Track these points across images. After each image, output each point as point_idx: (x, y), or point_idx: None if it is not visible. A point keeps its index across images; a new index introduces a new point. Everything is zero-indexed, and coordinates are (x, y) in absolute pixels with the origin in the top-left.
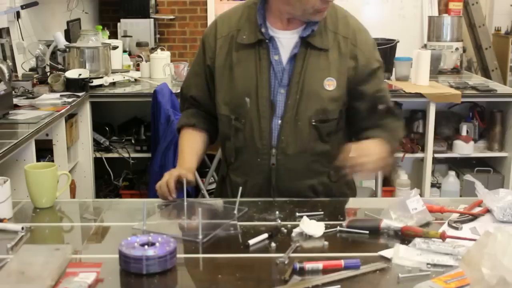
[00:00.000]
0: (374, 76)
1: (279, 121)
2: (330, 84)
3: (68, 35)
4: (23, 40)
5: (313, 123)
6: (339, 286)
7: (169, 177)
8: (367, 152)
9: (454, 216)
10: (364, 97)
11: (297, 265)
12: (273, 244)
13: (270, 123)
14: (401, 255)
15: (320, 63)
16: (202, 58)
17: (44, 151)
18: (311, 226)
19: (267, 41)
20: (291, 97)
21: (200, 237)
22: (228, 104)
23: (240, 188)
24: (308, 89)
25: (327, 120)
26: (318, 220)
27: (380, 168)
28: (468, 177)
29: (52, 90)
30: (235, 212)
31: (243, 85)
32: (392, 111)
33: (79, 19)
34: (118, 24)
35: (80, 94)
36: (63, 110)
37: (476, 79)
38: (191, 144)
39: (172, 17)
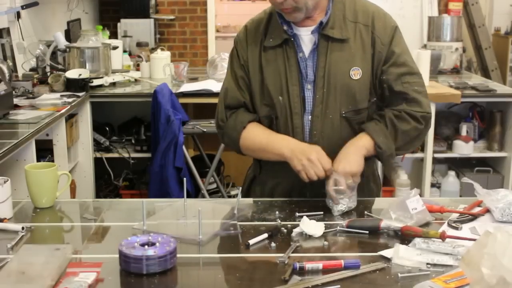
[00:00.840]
0: (393, 63)
1: (310, 117)
2: (356, 74)
3: (68, 35)
4: (23, 40)
5: (344, 115)
6: (339, 286)
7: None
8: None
9: (454, 216)
10: (386, 84)
11: (297, 265)
12: (273, 244)
13: (302, 119)
14: (401, 255)
15: (343, 54)
16: (238, 61)
17: (44, 151)
18: (311, 226)
19: (292, 39)
20: (318, 92)
21: (200, 237)
22: (267, 105)
23: (240, 188)
24: (334, 82)
25: (357, 110)
26: (318, 220)
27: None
28: (466, 179)
29: (52, 90)
30: (235, 212)
31: (275, 85)
32: (400, 94)
33: (79, 19)
34: (118, 24)
35: (80, 94)
36: (63, 110)
37: (476, 79)
38: (271, 131)
39: (172, 17)
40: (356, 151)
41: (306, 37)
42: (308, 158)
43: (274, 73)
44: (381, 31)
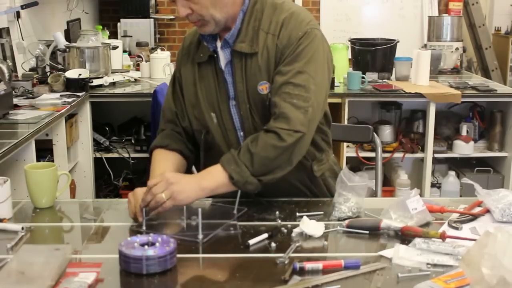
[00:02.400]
0: (279, 71)
1: (242, 133)
2: (264, 88)
3: (68, 35)
4: (23, 40)
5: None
6: (339, 286)
7: (135, 201)
8: (169, 189)
9: (454, 216)
10: (269, 94)
11: (297, 265)
12: (273, 244)
13: (236, 136)
14: (401, 255)
15: (252, 68)
16: (176, 75)
17: (44, 151)
18: (311, 226)
19: (215, 55)
20: (242, 108)
21: (200, 237)
22: (198, 119)
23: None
24: (251, 97)
25: None
26: (318, 220)
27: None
28: (466, 180)
29: (52, 90)
30: (235, 212)
31: (207, 101)
32: (272, 106)
33: (79, 19)
34: (118, 24)
35: (80, 94)
36: (63, 110)
37: (476, 79)
38: (166, 161)
39: (172, 17)
40: (193, 181)
41: (222, 52)
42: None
43: (206, 89)
44: (284, 39)
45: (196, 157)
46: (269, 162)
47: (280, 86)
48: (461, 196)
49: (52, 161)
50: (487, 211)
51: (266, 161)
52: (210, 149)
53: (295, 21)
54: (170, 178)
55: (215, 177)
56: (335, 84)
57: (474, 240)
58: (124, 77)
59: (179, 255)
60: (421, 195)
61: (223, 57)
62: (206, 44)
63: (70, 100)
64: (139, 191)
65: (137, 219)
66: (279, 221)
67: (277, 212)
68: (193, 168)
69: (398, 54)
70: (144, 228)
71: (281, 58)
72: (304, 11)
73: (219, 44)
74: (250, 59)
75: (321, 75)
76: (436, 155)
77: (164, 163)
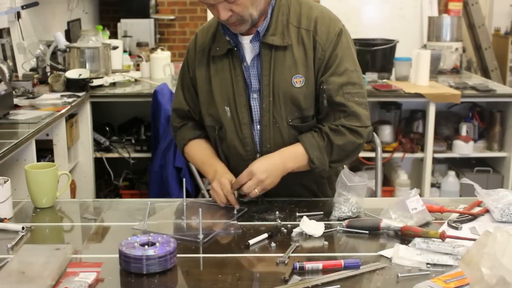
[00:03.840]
0: (330, 69)
1: (258, 126)
2: (298, 81)
3: (68, 35)
4: (23, 40)
5: (290, 123)
6: (339, 286)
7: (225, 190)
8: (255, 181)
9: (454, 216)
10: (326, 94)
11: (297, 265)
12: (273, 244)
13: (251, 129)
14: (401, 255)
15: (285, 61)
16: (187, 72)
17: (45, 151)
18: (311, 226)
19: (235, 49)
20: (265, 100)
21: (200, 237)
22: (212, 115)
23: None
24: (278, 90)
25: (304, 117)
26: (318, 220)
27: (262, 188)
28: (466, 180)
29: (52, 90)
30: (235, 212)
31: (222, 95)
32: (338, 106)
33: (79, 19)
34: (118, 24)
35: (80, 94)
36: (63, 110)
37: (476, 79)
38: (209, 152)
39: (172, 17)
40: (279, 164)
41: (247, 45)
42: (212, 187)
43: (221, 83)
44: (323, 36)
45: None
46: (345, 154)
47: (341, 86)
48: (460, 196)
49: (53, 161)
50: (487, 211)
51: (343, 153)
52: (221, 143)
53: (328, 18)
54: (260, 174)
55: (299, 160)
56: None
57: (474, 240)
58: (124, 77)
59: (179, 255)
60: (420, 195)
61: (250, 50)
62: (228, 38)
63: (70, 100)
64: (226, 182)
65: (234, 208)
66: (279, 221)
67: (277, 212)
68: (200, 181)
69: (397, 54)
70: (145, 227)
71: (323, 54)
72: (328, 9)
73: (245, 38)
74: (281, 52)
75: (360, 69)
76: (436, 155)
77: (209, 150)
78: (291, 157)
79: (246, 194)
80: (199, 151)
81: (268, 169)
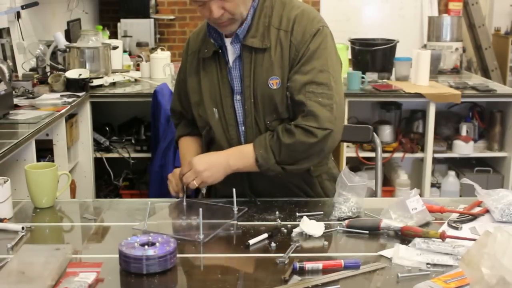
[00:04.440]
0: (299, 70)
1: (243, 128)
2: (274, 83)
3: (68, 35)
4: (23, 40)
5: (268, 125)
6: (339, 286)
7: (174, 179)
8: (195, 172)
9: (454, 216)
10: (289, 92)
11: (297, 265)
12: (273, 244)
13: (237, 131)
14: (401, 255)
15: (264, 63)
16: (181, 73)
17: (44, 151)
18: (311, 226)
19: (220, 51)
20: (247, 102)
21: (200, 237)
22: (201, 117)
23: (234, 190)
24: (258, 92)
25: (280, 119)
26: (318, 220)
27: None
28: (466, 180)
29: (52, 90)
30: (235, 212)
31: (210, 97)
32: (298, 105)
33: (79, 19)
34: (118, 24)
35: (80, 94)
36: (63, 110)
37: (476, 79)
38: (190, 148)
39: (172, 17)
40: (222, 159)
41: (230, 47)
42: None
43: (210, 85)
44: (298, 36)
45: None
46: (295, 154)
47: (304, 85)
48: (461, 196)
49: (53, 161)
50: (487, 211)
51: (293, 154)
52: (211, 144)
53: (307, 18)
54: (198, 165)
55: (243, 157)
56: None
57: (474, 240)
58: (124, 77)
59: (179, 255)
60: (421, 195)
61: (231, 52)
62: (213, 40)
63: (70, 100)
64: (177, 171)
65: (179, 196)
66: (279, 221)
67: (277, 212)
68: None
69: (398, 54)
70: (145, 227)
71: (296, 54)
72: (313, 9)
73: (227, 40)
74: (261, 54)
75: (338, 72)
76: (436, 155)
77: (191, 147)
78: (236, 154)
79: (186, 185)
80: (182, 148)
81: (208, 162)
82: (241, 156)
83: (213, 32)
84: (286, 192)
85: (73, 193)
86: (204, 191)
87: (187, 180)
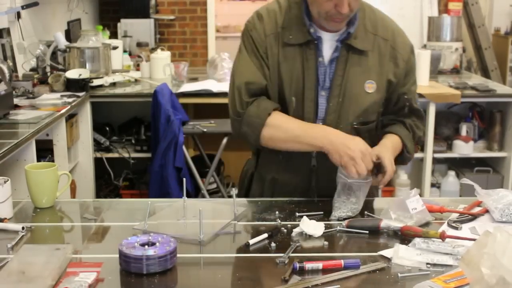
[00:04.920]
0: (408, 80)
1: (321, 123)
2: (370, 87)
3: (68, 35)
4: (23, 40)
5: (355, 126)
6: (339, 286)
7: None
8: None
9: (454, 216)
10: (408, 103)
11: (297, 265)
12: (273, 244)
13: None
14: (401, 255)
15: (360, 66)
16: (257, 51)
17: (45, 151)
18: (311, 226)
19: (315, 42)
20: (333, 100)
21: (200, 237)
22: (277, 100)
23: (234, 189)
24: (349, 92)
25: (368, 122)
26: (318, 220)
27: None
28: (466, 180)
29: (52, 90)
30: (235, 212)
31: (290, 85)
32: (416, 111)
33: (79, 19)
34: (118, 24)
35: (80, 94)
36: (63, 110)
37: (476, 79)
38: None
39: (172, 17)
40: (393, 152)
41: (328, 42)
42: (351, 156)
43: (291, 72)
44: (401, 47)
45: None
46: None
47: (415, 93)
48: (460, 196)
49: (53, 161)
50: (487, 211)
51: (414, 147)
52: None
53: (402, 31)
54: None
55: (398, 147)
56: None
57: (474, 240)
58: (124, 77)
59: (179, 255)
60: (420, 195)
61: (329, 48)
62: (313, 30)
63: (70, 100)
64: (368, 152)
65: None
66: (279, 221)
67: (277, 212)
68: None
69: None
70: (146, 227)
71: (404, 66)
72: None
73: (326, 34)
74: (357, 55)
75: None
76: (436, 155)
77: (307, 122)
78: (395, 147)
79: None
80: (290, 119)
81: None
82: (395, 143)
83: (311, 21)
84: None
85: (73, 193)
86: (234, 192)
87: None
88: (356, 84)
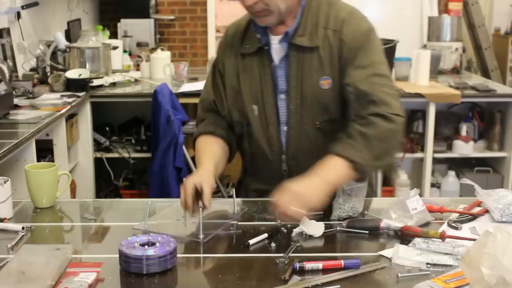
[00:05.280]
0: (359, 66)
1: (285, 127)
2: (326, 83)
3: (68, 35)
4: (23, 40)
5: (318, 126)
6: (339, 286)
7: (185, 193)
8: (296, 198)
9: (454, 216)
10: (351, 87)
11: (297, 265)
12: (273, 244)
13: (278, 130)
14: (400, 255)
15: (313, 63)
16: (215, 66)
17: (45, 151)
18: (311, 226)
19: (266, 48)
20: (292, 102)
21: (200, 237)
22: (239, 111)
23: (234, 189)
24: (306, 92)
25: (331, 119)
26: (318, 220)
27: (307, 211)
28: (466, 180)
29: (52, 90)
30: (235, 212)
31: (250, 93)
32: (364, 95)
33: (79, 19)
34: (118, 24)
35: (80, 94)
36: (63, 110)
37: (476, 79)
38: (208, 148)
39: (172, 17)
40: (315, 177)
41: (275, 45)
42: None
43: (250, 81)
44: (349, 35)
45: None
46: (383, 144)
47: (367, 77)
48: (460, 196)
49: (53, 161)
50: (487, 211)
51: (383, 145)
52: (249, 139)
53: (356, 18)
54: (301, 193)
55: (338, 169)
56: None
57: (474, 240)
58: (124, 77)
59: (179, 255)
60: (420, 195)
61: (278, 51)
62: (260, 36)
63: (70, 100)
64: (190, 183)
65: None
66: (279, 221)
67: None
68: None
69: (397, 54)
70: (145, 227)
71: (349, 53)
72: (359, 10)
73: (275, 37)
74: (309, 53)
75: (388, 65)
76: (436, 155)
77: (213, 148)
78: (329, 171)
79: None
80: (201, 148)
81: (304, 183)
82: (335, 170)
83: (259, 28)
84: None
85: (73, 193)
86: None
87: (292, 211)
88: (311, 83)
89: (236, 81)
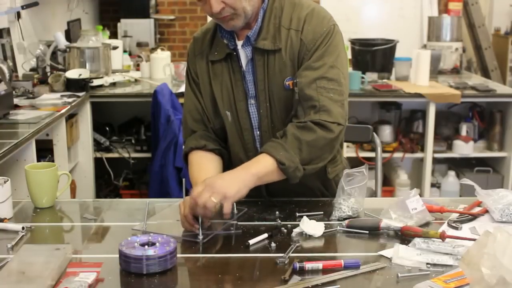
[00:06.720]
0: (309, 66)
1: (258, 132)
2: (290, 84)
3: (68, 35)
4: (23, 40)
5: None
6: (339, 286)
7: (184, 212)
8: (208, 188)
9: (454, 216)
10: (298, 88)
11: (297, 265)
12: (273, 244)
13: (252, 135)
14: (400, 255)
15: (277, 65)
16: (190, 75)
17: (45, 151)
18: (311, 226)
19: (234, 53)
20: (262, 106)
21: (200, 237)
22: (220, 117)
23: None
24: (274, 94)
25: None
26: (318, 220)
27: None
28: (466, 180)
29: (52, 90)
30: (235, 212)
31: (223, 100)
32: (307, 98)
33: (79, 19)
34: (118, 24)
35: (80, 94)
36: (63, 110)
37: (476, 79)
38: (204, 167)
39: (172, 17)
40: (238, 170)
41: (242, 50)
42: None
43: (222, 88)
44: (309, 34)
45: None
46: (316, 151)
47: (314, 80)
48: (460, 196)
49: (53, 161)
50: (487, 210)
51: (313, 150)
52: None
53: (317, 17)
54: (212, 181)
55: (263, 164)
56: None
57: (474, 240)
58: (124, 77)
59: (179, 255)
60: (420, 195)
61: (244, 56)
62: (227, 42)
63: (70, 100)
64: (188, 200)
65: (193, 230)
66: (279, 221)
67: (277, 212)
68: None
69: (398, 54)
70: (145, 228)
71: (306, 53)
72: (322, 8)
73: (239, 43)
74: (273, 56)
75: (346, 69)
76: (436, 155)
77: (207, 165)
78: (253, 164)
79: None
80: (194, 166)
81: (224, 177)
82: (259, 164)
83: (226, 34)
84: (302, 194)
85: (73, 193)
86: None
87: (202, 199)
88: (277, 85)
89: (210, 89)
